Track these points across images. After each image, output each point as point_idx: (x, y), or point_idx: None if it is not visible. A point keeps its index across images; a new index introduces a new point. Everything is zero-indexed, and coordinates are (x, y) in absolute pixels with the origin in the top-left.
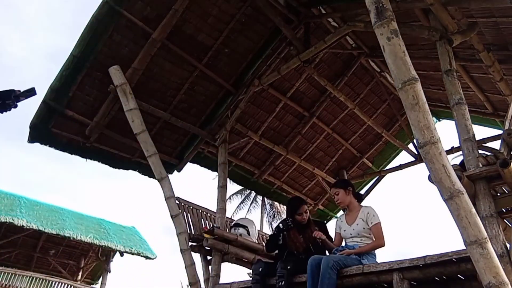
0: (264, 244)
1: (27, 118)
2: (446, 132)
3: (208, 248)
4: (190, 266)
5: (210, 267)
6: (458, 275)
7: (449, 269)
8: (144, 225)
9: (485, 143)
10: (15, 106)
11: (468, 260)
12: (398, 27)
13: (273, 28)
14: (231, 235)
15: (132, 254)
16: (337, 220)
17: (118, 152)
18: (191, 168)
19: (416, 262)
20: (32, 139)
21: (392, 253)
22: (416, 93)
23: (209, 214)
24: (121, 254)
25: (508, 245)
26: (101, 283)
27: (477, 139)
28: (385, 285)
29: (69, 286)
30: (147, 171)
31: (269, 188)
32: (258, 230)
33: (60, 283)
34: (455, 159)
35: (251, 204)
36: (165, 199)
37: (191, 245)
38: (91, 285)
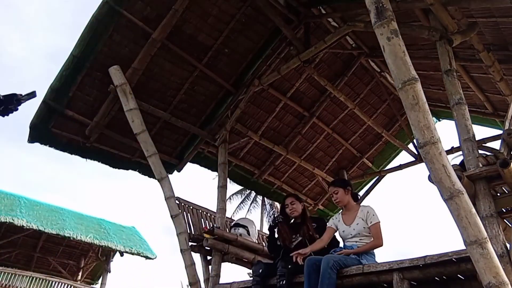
0: (264, 245)
1: (28, 118)
2: (446, 132)
3: (208, 248)
4: (190, 266)
5: (210, 267)
6: (458, 275)
7: (449, 269)
8: (144, 225)
9: (485, 143)
10: (16, 110)
11: (468, 260)
12: (398, 27)
13: (273, 28)
14: (231, 235)
15: (132, 254)
16: (332, 218)
17: (118, 152)
18: (191, 168)
19: (416, 262)
20: (32, 139)
21: (392, 253)
22: (416, 93)
23: (209, 214)
24: (121, 254)
25: (508, 245)
26: (101, 283)
27: (477, 139)
28: (385, 285)
29: (69, 286)
30: (147, 171)
31: (269, 188)
32: (258, 230)
33: (60, 283)
34: (455, 159)
35: (251, 204)
36: (165, 199)
37: (191, 245)
38: (91, 285)
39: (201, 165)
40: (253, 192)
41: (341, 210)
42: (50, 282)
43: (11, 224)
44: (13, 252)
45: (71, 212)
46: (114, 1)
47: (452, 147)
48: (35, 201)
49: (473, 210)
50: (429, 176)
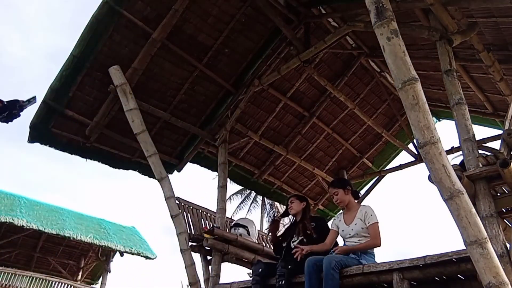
0: (264, 245)
1: (28, 118)
2: (446, 132)
3: (208, 248)
4: (190, 266)
5: (210, 267)
6: (458, 275)
7: (449, 269)
8: (144, 225)
9: (485, 143)
10: (19, 115)
11: (468, 260)
12: (398, 27)
13: (273, 28)
14: (231, 235)
15: (132, 254)
16: (334, 219)
17: (118, 152)
18: (191, 168)
19: (416, 262)
20: (32, 139)
21: (392, 253)
22: (416, 93)
23: (209, 214)
24: (121, 254)
25: (508, 245)
26: (101, 283)
27: (477, 139)
28: (385, 285)
29: (69, 286)
30: (147, 171)
31: (269, 188)
32: (258, 230)
33: (60, 283)
34: (455, 159)
35: (251, 204)
36: (165, 199)
37: (191, 245)
38: (91, 285)
39: (201, 165)
40: (253, 192)
41: (343, 210)
42: (50, 282)
43: (11, 224)
44: (13, 252)
45: (71, 212)
46: (114, 1)
47: (452, 147)
48: (35, 201)
49: (473, 210)
50: (429, 176)
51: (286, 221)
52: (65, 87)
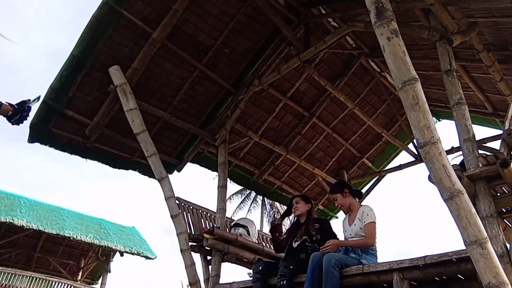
0: (264, 244)
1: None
2: (446, 132)
3: (208, 248)
4: (190, 266)
5: (210, 267)
6: (458, 275)
7: (449, 269)
8: (144, 225)
9: (485, 143)
10: (28, 116)
11: (468, 260)
12: (398, 27)
13: (273, 28)
14: (231, 235)
15: (132, 254)
16: (343, 221)
17: (118, 152)
18: (191, 168)
19: (416, 262)
20: (32, 139)
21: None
22: (416, 93)
23: (209, 214)
24: (121, 254)
25: (508, 245)
26: (101, 283)
27: (477, 139)
28: (385, 285)
29: (69, 286)
30: (147, 171)
31: (269, 188)
32: (258, 230)
33: (60, 283)
34: (455, 159)
35: (251, 204)
36: (165, 199)
37: (191, 245)
38: (91, 285)
39: (201, 165)
40: (253, 192)
41: (348, 212)
42: (50, 282)
43: (11, 224)
44: (13, 252)
45: (71, 212)
46: (114, 1)
47: (452, 147)
48: (35, 201)
49: (473, 210)
50: (429, 176)
51: (286, 221)
52: (65, 87)
